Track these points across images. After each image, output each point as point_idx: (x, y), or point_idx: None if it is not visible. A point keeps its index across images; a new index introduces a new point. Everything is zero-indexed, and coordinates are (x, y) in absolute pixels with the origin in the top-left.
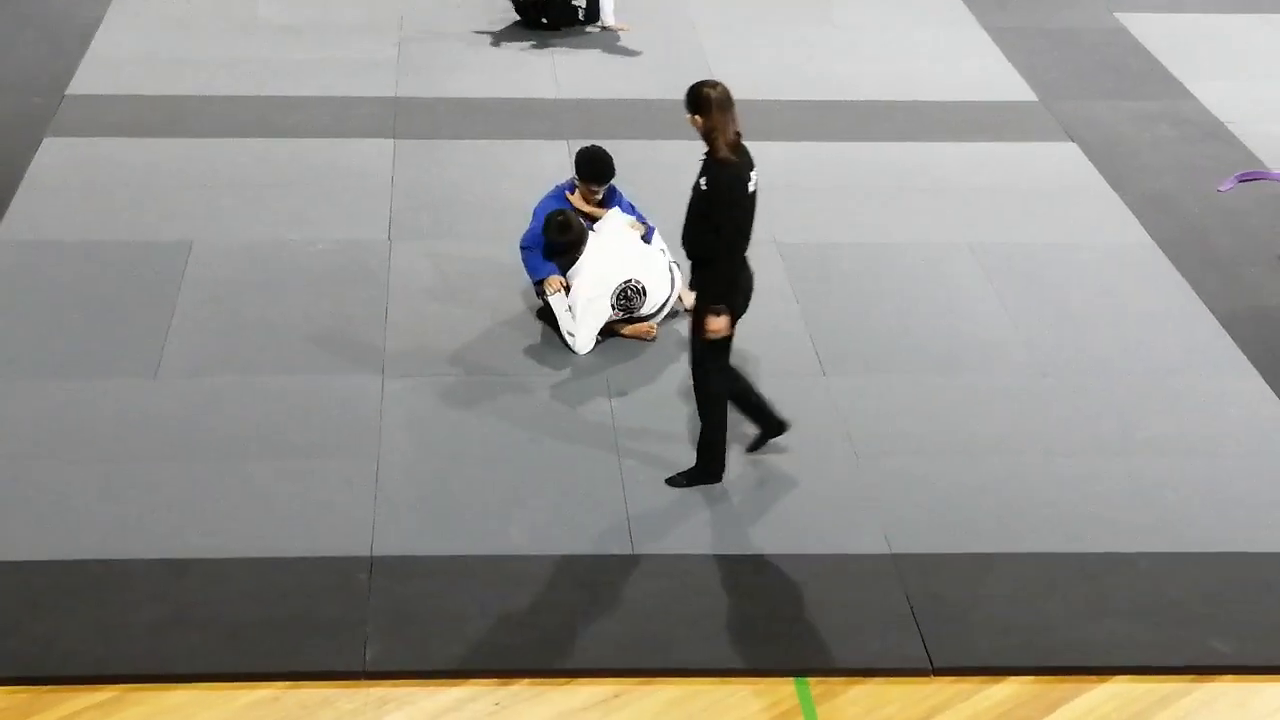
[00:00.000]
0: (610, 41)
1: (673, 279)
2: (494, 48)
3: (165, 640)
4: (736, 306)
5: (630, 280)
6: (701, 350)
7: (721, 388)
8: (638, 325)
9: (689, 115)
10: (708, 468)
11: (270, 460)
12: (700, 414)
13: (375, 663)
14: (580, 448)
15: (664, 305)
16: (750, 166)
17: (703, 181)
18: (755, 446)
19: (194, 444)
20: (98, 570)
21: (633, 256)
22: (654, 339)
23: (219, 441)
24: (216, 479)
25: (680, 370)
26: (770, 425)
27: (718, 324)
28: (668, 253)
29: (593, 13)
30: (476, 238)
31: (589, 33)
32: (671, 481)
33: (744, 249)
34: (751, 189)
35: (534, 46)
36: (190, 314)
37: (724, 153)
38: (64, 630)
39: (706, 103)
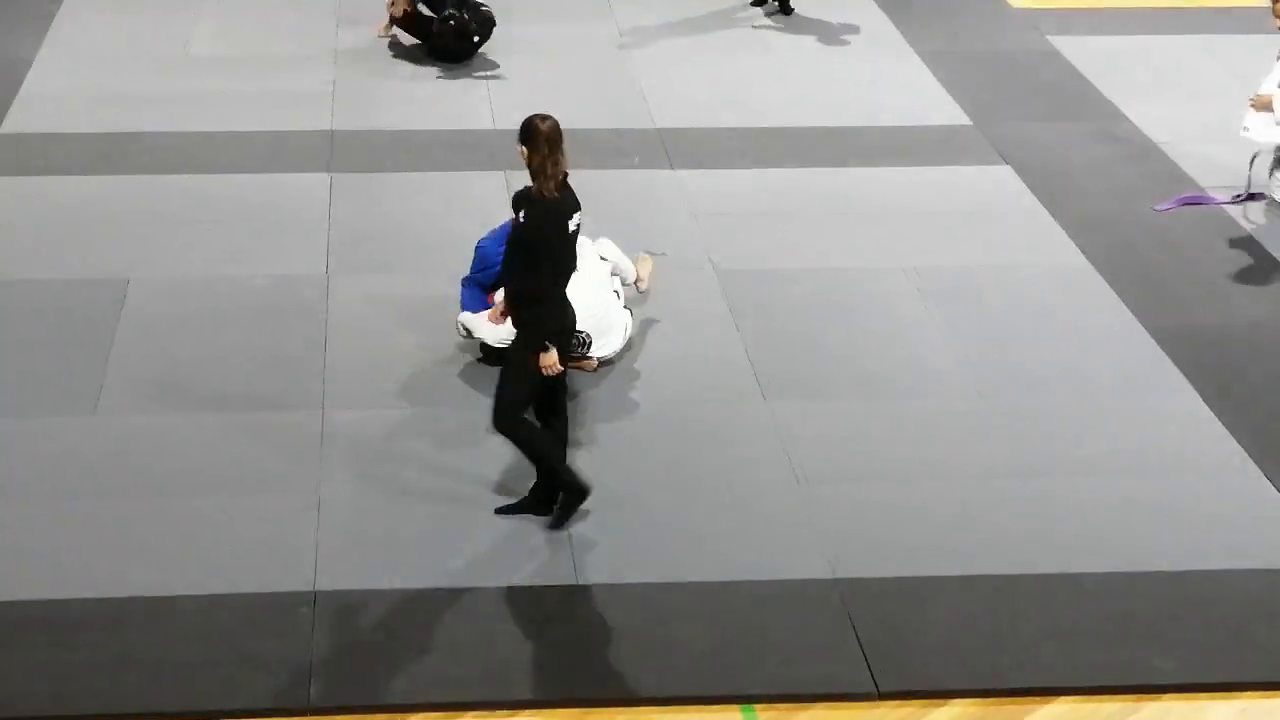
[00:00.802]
0: (545, 71)
1: (626, 326)
2: (428, 80)
3: (108, 680)
4: (558, 339)
5: (579, 333)
6: (506, 385)
7: (514, 417)
8: (578, 360)
9: (519, 146)
10: (569, 488)
11: (211, 496)
12: (522, 450)
13: (320, 699)
14: (522, 479)
15: (614, 354)
16: (574, 208)
17: (521, 215)
18: (507, 509)
19: (134, 481)
20: (38, 611)
21: (586, 306)
22: (594, 370)
23: (159, 478)
24: (157, 516)
25: (626, 401)
26: (539, 500)
27: (548, 359)
28: (622, 295)
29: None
30: (415, 270)
31: (523, 58)
32: (553, 523)
33: (563, 287)
34: (572, 229)
35: (468, 78)
36: (128, 351)
37: (546, 188)
38: (6, 672)
39: (535, 135)
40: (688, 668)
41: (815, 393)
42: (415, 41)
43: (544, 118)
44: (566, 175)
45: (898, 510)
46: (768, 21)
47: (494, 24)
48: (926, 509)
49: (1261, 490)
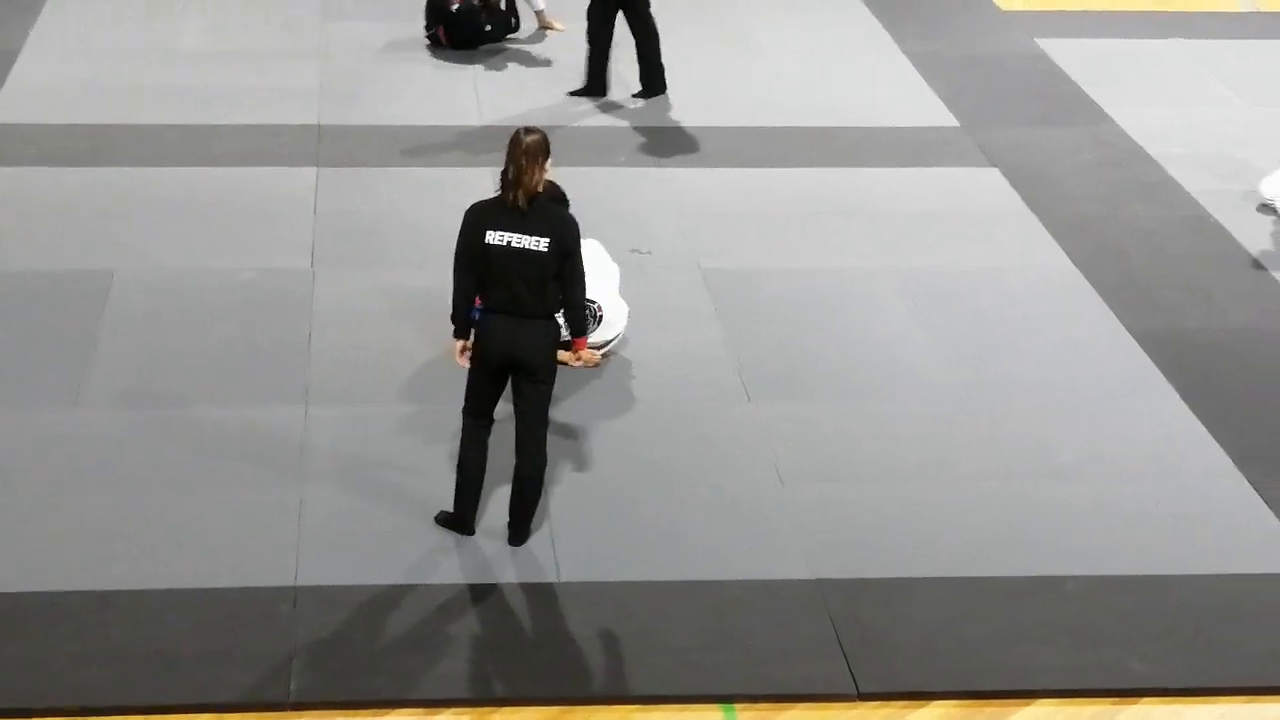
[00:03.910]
0: (532, 66)
1: (623, 320)
2: (416, 75)
3: (89, 673)
4: (483, 353)
5: (590, 303)
6: None
7: (464, 407)
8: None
9: None
10: (453, 515)
11: (193, 490)
12: None
13: (300, 694)
14: (506, 475)
15: (609, 342)
16: (521, 227)
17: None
18: (442, 519)
19: (117, 475)
20: (20, 603)
21: (599, 284)
22: (596, 366)
23: (142, 472)
24: (140, 509)
25: (610, 400)
26: (461, 518)
27: (454, 349)
28: (615, 284)
29: (504, 26)
30: (400, 265)
31: (510, 52)
32: (437, 518)
33: (494, 300)
34: (500, 243)
35: (456, 72)
36: (112, 344)
37: (492, 195)
38: None
39: (510, 142)
40: (668, 666)
41: (799, 394)
42: (408, 36)
43: (529, 130)
44: (533, 192)
45: (880, 512)
46: (757, 22)
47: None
48: (909, 511)
49: (1244, 495)
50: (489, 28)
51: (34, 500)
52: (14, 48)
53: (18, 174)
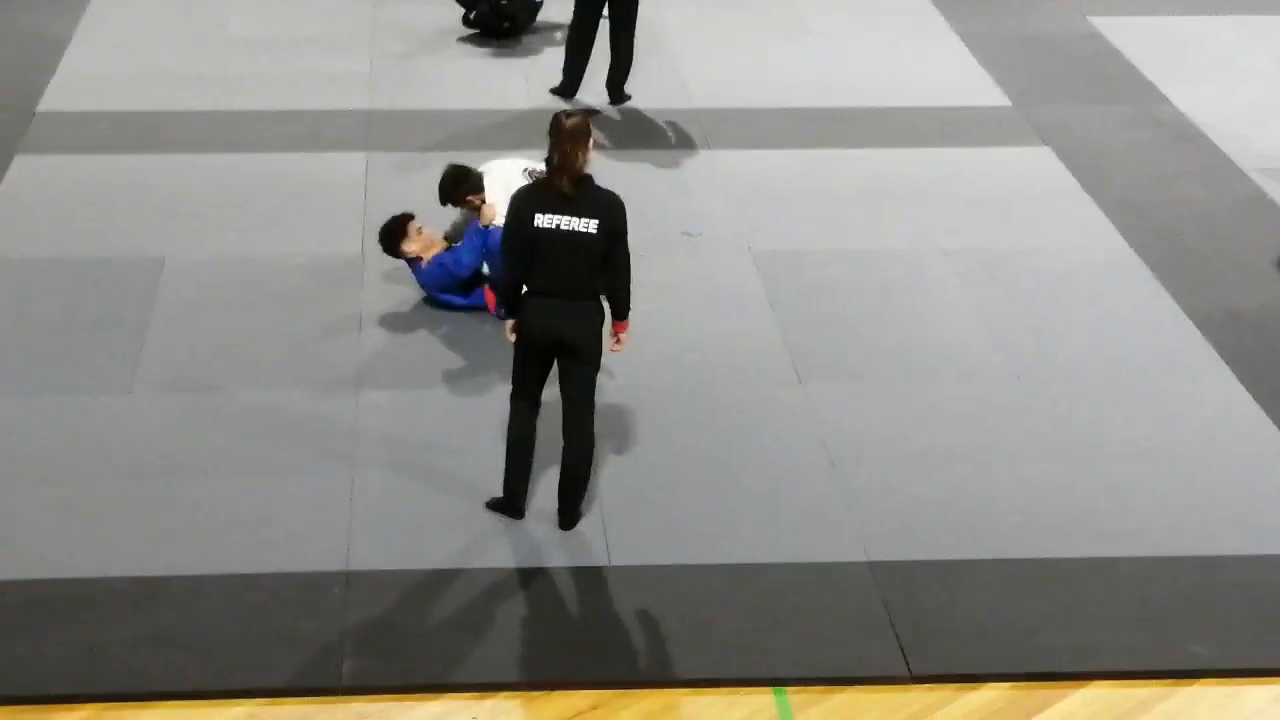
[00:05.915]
0: None
1: None
2: (465, 60)
3: (142, 659)
4: (527, 335)
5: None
6: None
7: (512, 392)
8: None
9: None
10: (503, 500)
11: (245, 476)
12: None
13: (352, 678)
14: (556, 459)
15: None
16: (569, 209)
17: None
18: (493, 504)
19: (169, 460)
20: (73, 589)
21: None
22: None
23: (194, 458)
24: (192, 495)
25: (660, 383)
26: (511, 502)
27: (507, 330)
28: None
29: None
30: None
31: (559, 36)
32: (488, 503)
33: (540, 282)
34: (548, 225)
35: (505, 58)
36: (164, 330)
37: (544, 177)
38: (40, 650)
39: (552, 127)
40: (720, 650)
41: (850, 376)
42: (457, 21)
43: (569, 114)
44: (578, 175)
45: (932, 494)
46: (806, 3)
47: (538, 7)
48: (961, 493)
49: None
50: (506, 25)
51: (86, 486)
52: (64, 37)
53: (68, 162)
